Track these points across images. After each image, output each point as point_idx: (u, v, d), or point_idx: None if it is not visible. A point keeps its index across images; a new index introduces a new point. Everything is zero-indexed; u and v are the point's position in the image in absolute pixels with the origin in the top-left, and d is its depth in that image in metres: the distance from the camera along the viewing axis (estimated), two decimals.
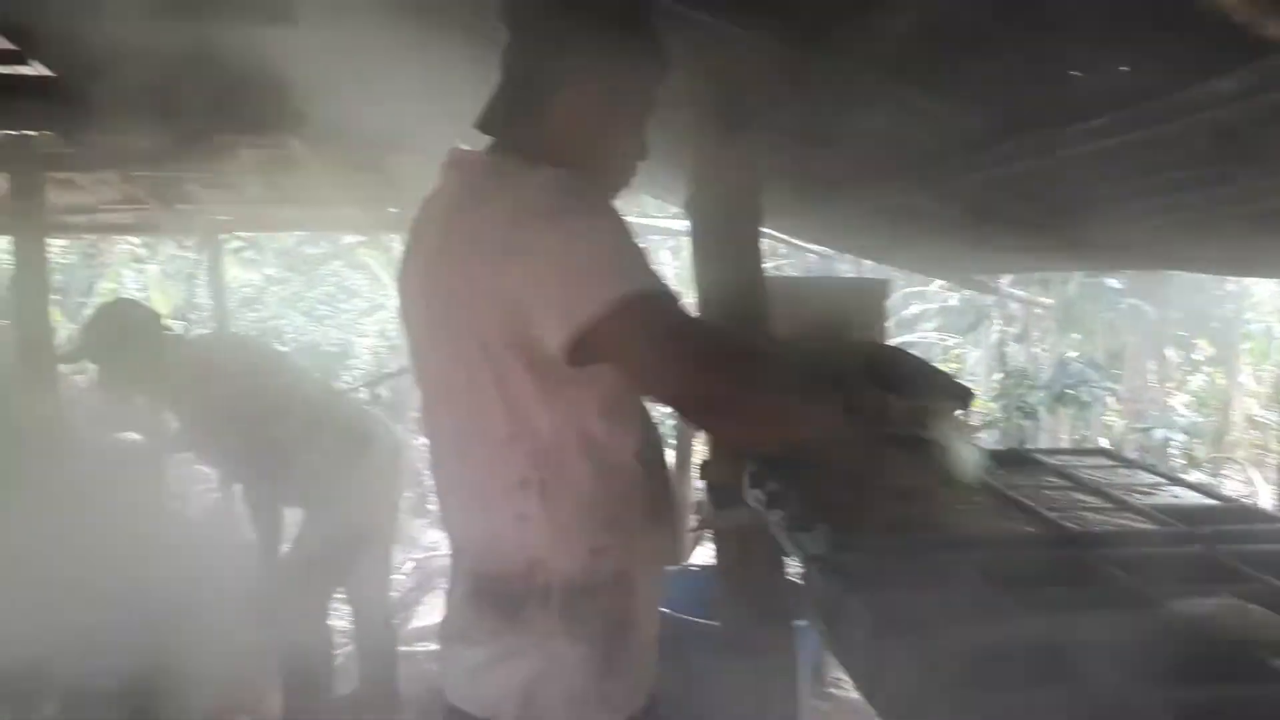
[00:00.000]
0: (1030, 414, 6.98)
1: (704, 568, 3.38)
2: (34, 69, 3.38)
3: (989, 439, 6.67)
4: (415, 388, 1.42)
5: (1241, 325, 9.78)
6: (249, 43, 2.88)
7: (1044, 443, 6.82)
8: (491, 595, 1.30)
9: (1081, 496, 1.79)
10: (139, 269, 10.71)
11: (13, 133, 4.13)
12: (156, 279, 10.36)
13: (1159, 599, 1.17)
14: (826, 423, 1.28)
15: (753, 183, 2.20)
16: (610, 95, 1.32)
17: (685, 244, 2.40)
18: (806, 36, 1.58)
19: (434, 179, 1.40)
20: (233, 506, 3.58)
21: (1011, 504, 1.67)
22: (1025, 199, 2.49)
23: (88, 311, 4.92)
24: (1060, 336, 8.01)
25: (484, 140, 1.38)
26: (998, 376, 7.79)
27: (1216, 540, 1.44)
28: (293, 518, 3.22)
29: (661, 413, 5.90)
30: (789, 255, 8.87)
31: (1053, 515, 1.58)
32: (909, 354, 2.26)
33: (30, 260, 4.66)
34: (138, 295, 10.00)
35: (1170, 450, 7.75)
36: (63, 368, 4.70)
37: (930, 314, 10.27)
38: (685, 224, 2.35)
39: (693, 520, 3.98)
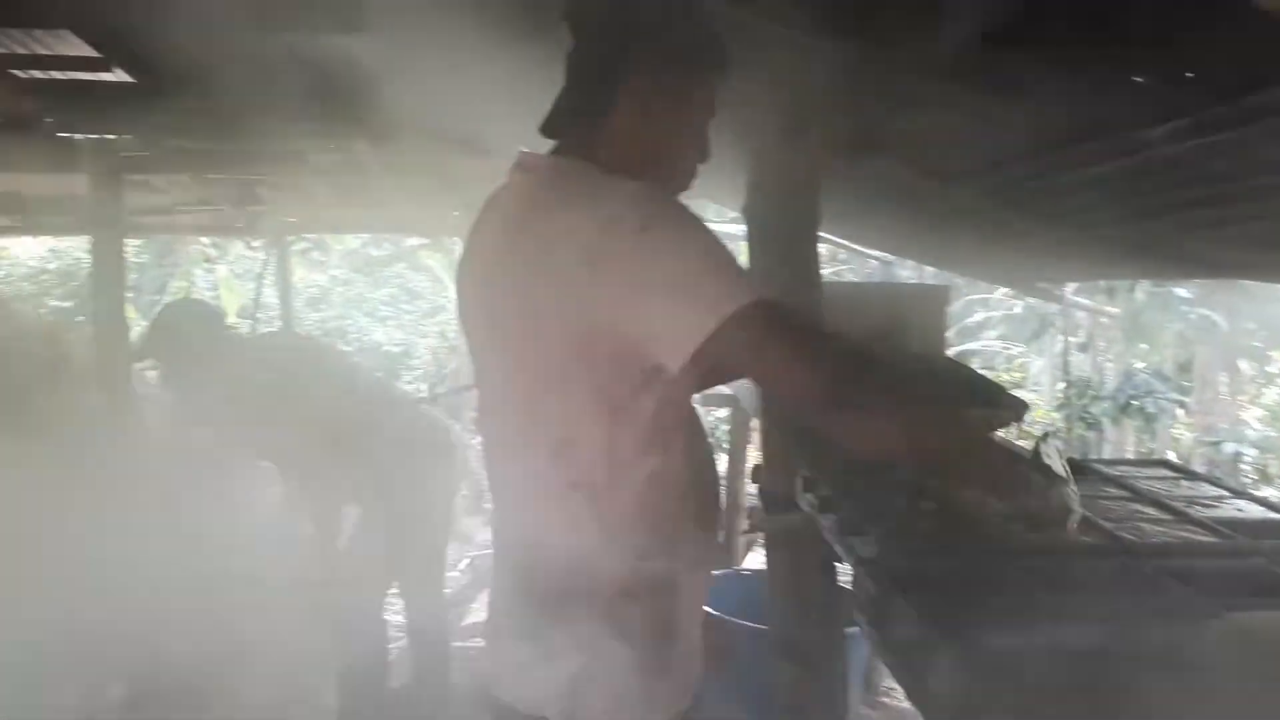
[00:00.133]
0: (1094, 425, 6.85)
1: (756, 572, 3.38)
2: (115, 75, 3.51)
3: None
4: (473, 387, 1.44)
5: None
6: (319, 50, 2.96)
7: (1108, 455, 6.69)
8: (540, 594, 1.32)
9: (1140, 507, 1.76)
10: (209, 268, 11.01)
11: (94, 136, 4.28)
12: (225, 278, 10.63)
13: (1214, 610, 1.15)
14: (956, 433, 1.29)
15: (811, 187, 2.20)
16: (673, 98, 1.34)
17: (742, 248, 2.41)
18: (867, 39, 1.59)
19: (498, 181, 1.42)
20: (294, 503, 3.66)
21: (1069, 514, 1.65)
22: (1090, 205, 2.46)
23: (154, 310, 5.09)
24: (1126, 346, 7.85)
25: (547, 144, 1.41)
26: (1060, 386, 7.65)
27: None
28: (349, 515, 3.29)
29: (714, 418, 5.88)
30: (849, 260, 8.82)
31: (1109, 525, 1.56)
32: (964, 365, 2.25)
33: (107, 259, 4.82)
34: (207, 294, 10.28)
35: (1241, 465, 7.54)
36: (138, 365, 4.86)
37: (993, 322, 10.13)
38: (742, 228, 2.35)
39: (744, 524, 3.98)
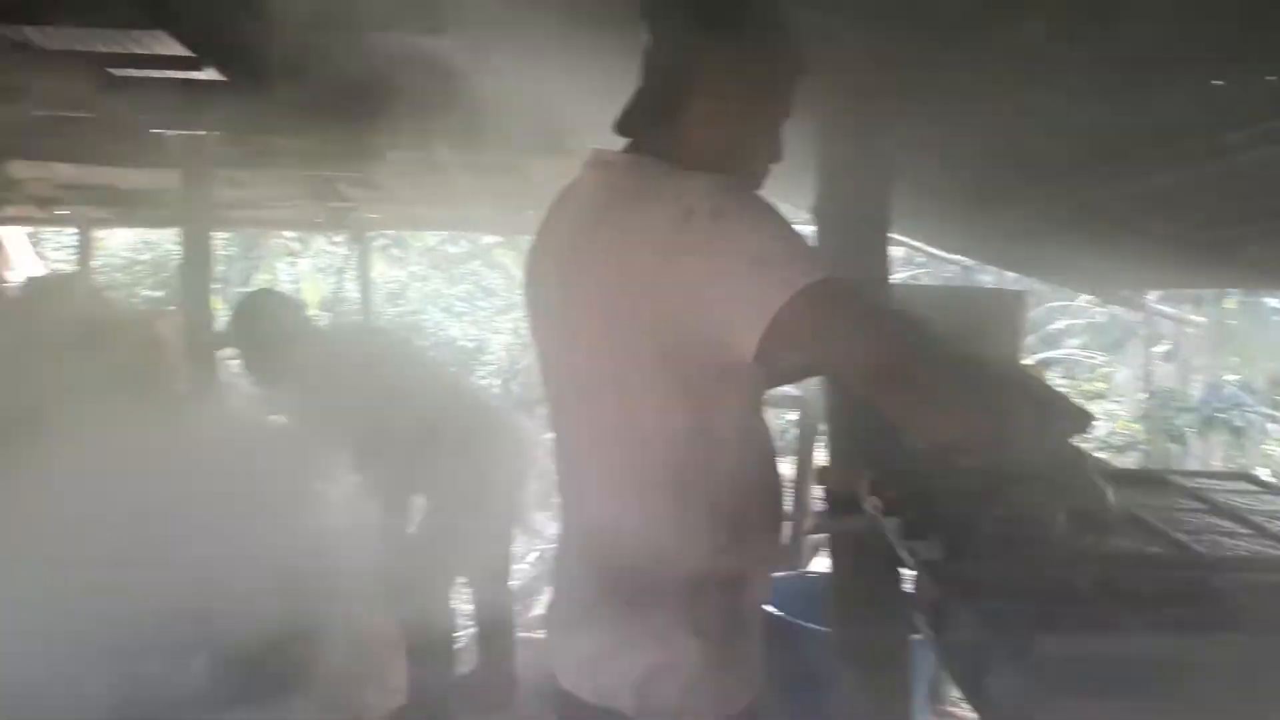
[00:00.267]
0: (1177, 437, 6.63)
1: (820, 574, 3.37)
2: (207, 74, 3.64)
3: (1128, 460, 6.37)
4: (543, 382, 1.45)
5: None
6: (401, 51, 3.04)
7: (1192, 468, 6.48)
8: (613, 586, 1.33)
9: (1216, 520, 1.71)
10: (292, 262, 11.34)
11: (185, 133, 4.45)
12: (308, 272, 10.95)
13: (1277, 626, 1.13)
14: (1019, 423, 1.25)
15: (882, 189, 2.19)
16: (748, 98, 1.34)
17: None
18: (940, 42, 1.58)
19: (570, 179, 1.45)
20: (366, 490, 3.76)
21: (1138, 524, 1.62)
22: (1172, 211, 2.40)
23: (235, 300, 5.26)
24: (1214, 358, 7.59)
25: (621, 142, 1.43)
26: (1142, 397, 7.44)
27: None
28: (417, 503, 3.36)
29: (784, 420, 5.85)
30: (927, 264, 8.70)
31: (1181, 537, 1.52)
32: (1028, 372, 2.22)
33: (196, 251, 5.01)
34: (290, 287, 10.58)
35: None
36: (222, 353, 5.03)
37: (1076, 329, 9.89)
38: (811, 228, 2.35)
39: (809, 525, 3.96)
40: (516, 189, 5.35)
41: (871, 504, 1.96)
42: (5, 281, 5.85)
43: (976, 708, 1.10)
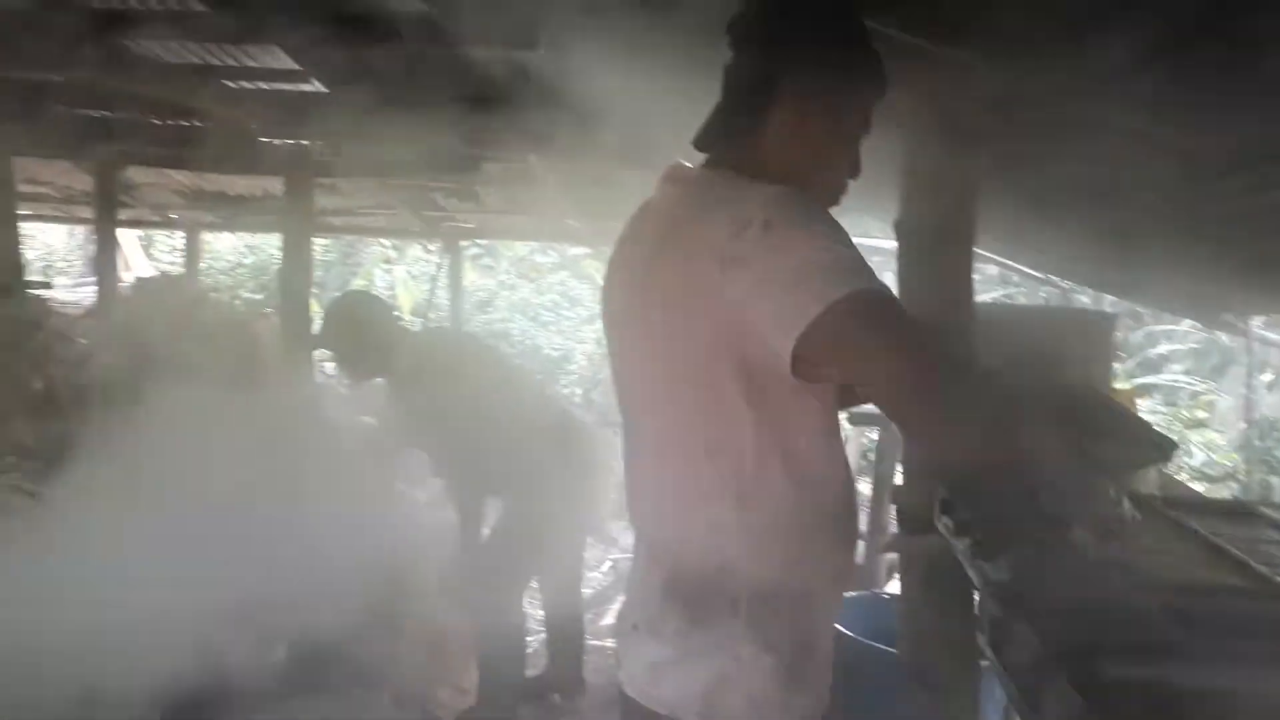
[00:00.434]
0: (1277, 469, 6.33)
1: (895, 595, 3.32)
2: (312, 85, 3.80)
3: (1224, 491, 6.12)
4: (616, 394, 1.47)
5: None
6: (495, 65, 3.13)
7: None
8: (681, 596, 1.33)
9: None
10: (387, 269, 11.66)
11: (290, 141, 4.64)
12: (402, 279, 11.24)
13: None
14: (1035, 444, 1.22)
15: (966, 207, 2.17)
16: (827, 115, 1.35)
17: (892, 263, 2.40)
18: (1024, 60, 1.57)
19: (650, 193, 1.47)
20: (445, 493, 3.83)
21: (1219, 554, 1.58)
22: (1273, 232, 2.32)
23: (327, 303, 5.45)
24: None
25: (700, 158, 1.45)
26: (1243, 426, 7.13)
27: None
28: (492, 507, 3.42)
29: (866, 440, 5.80)
30: (1021, 284, 8.51)
31: (1262, 569, 1.48)
32: (1113, 400, 2.16)
33: (296, 256, 5.21)
34: (385, 293, 10.87)
35: None
36: (317, 355, 5.21)
37: (1178, 355, 9.54)
38: (893, 243, 2.34)
39: (883, 545, 3.91)
40: (605, 201, 5.42)
41: (943, 524, 1.95)
42: (121, 281, 6.15)
43: None
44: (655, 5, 2.19)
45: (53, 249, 12.06)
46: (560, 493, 3.16)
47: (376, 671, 3.23)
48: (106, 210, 5.08)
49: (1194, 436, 8.00)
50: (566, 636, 3.60)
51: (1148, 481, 2.28)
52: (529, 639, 3.59)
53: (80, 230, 10.41)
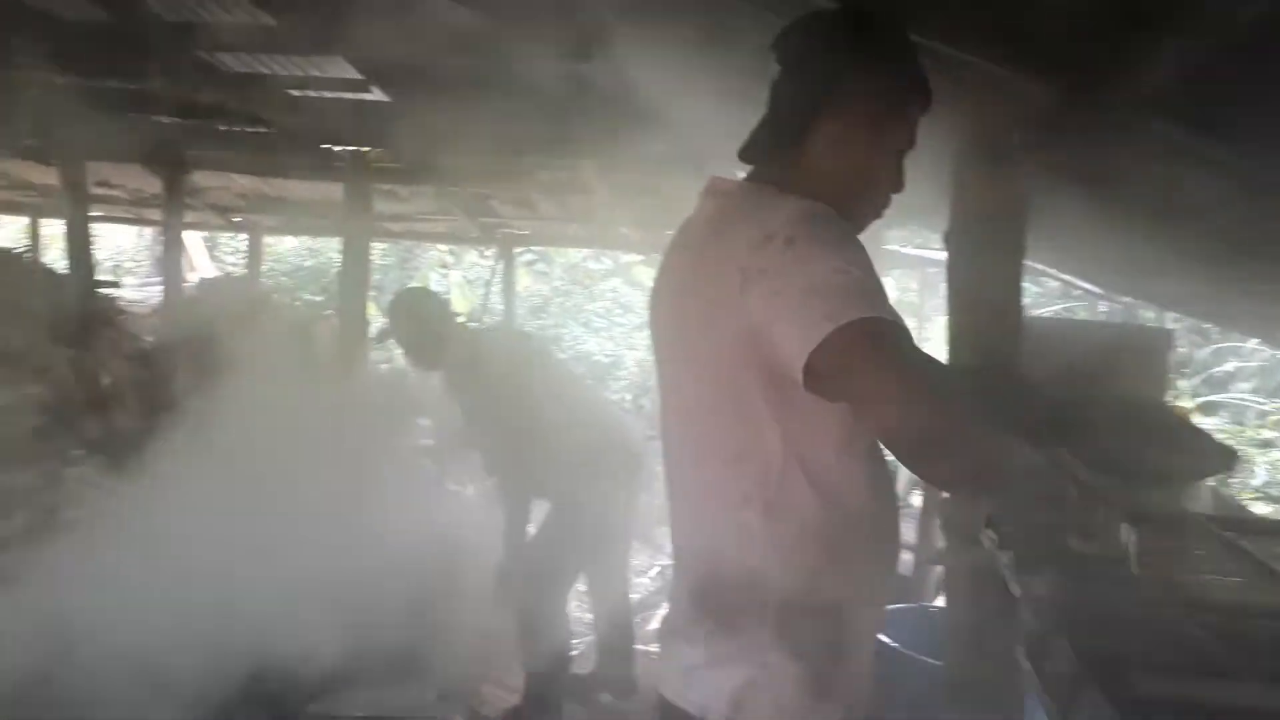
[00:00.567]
0: None
1: (941, 607, 3.30)
2: (374, 94, 3.90)
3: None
4: (658, 399, 1.51)
5: None
6: (551, 76, 3.19)
7: None
8: (710, 601, 1.35)
9: None
10: (443, 273, 11.82)
11: (351, 148, 4.75)
12: (458, 283, 11.39)
13: None
14: (1016, 478, 1.25)
15: (1016, 219, 2.16)
16: (869, 130, 1.36)
17: (942, 274, 2.41)
18: (1072, 75, 1.57)
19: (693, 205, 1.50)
20: (494, 493, 3.87)
21: (1271, 576, 1.56)
22: None
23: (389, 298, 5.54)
24: None
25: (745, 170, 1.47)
26: None
27: None
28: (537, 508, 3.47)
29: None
30: (1082, 299, 8.39)
31: None
32: (1174, 410, 2.14)
33: (355, 260, 5.33)
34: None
35: None
36: (374, 355, 5.31)
37: (1245, 373, 9.31)
38: (943, 254, 2.34)
39: (930, 558, 3.89)
40: (656, 209, 5.47)
41: (987, 538, 1.94)
42: (186, 282, 6.33)
43: None
44: (708, 17, 2.22)
45: (122, 249, 12.42)
46: (606, 497, 3.20)
47: (424, 667, 3.29)
48: (174, 213, 5.23)
49: (1260, 456, 7.80)
50: (616, 638, 3.63)
51: (1201, 501, 2.25)
52: (576, 640, 3.63)
53: (148, 232, 10.71)
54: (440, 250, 11.64)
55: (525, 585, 3.21)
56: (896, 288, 10.60)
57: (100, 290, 5.67)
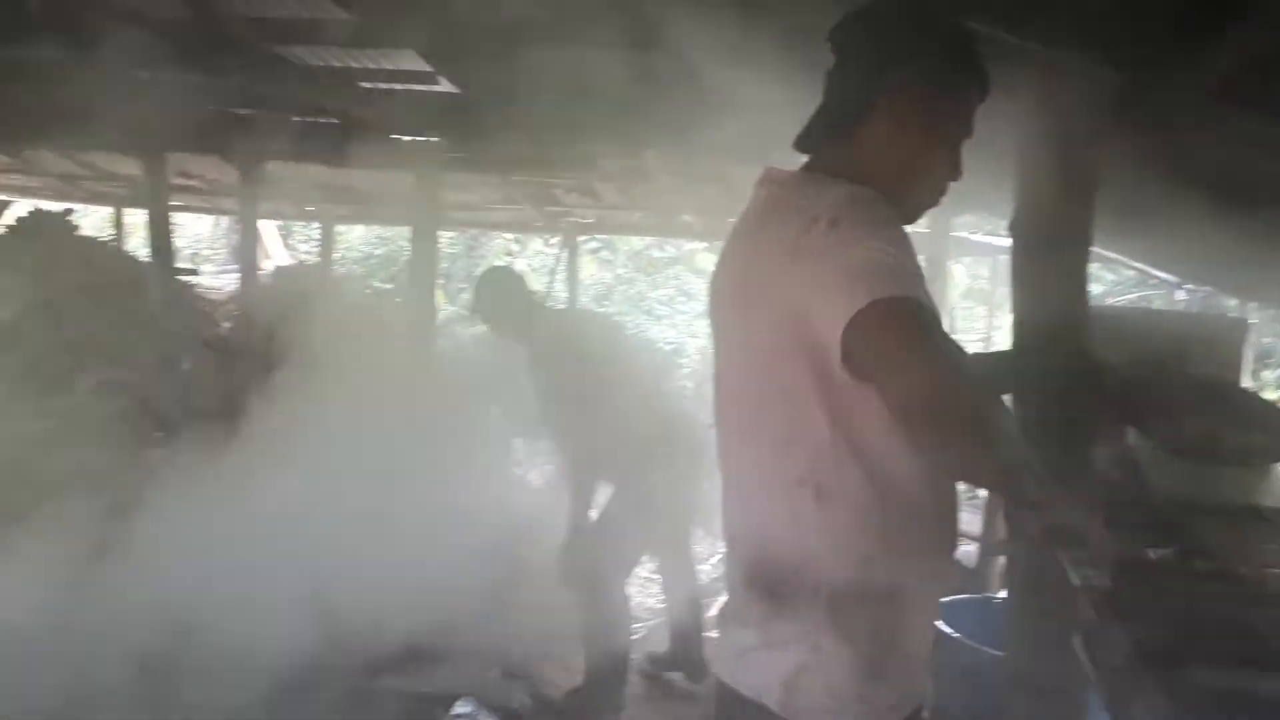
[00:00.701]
0: None
1: (1005, 598, 3.27)
2: (442, 86, 3.97)
3: None
4: (714, 386, 1.50)
5: None
6: (615, 66, 3.21)
7: None
8: (764, 584, 1.36)
9: None
10: (509, 261, 11.94)
11: (420, 139, 4.83)
12: (523, 271, 11.49)
13: None
14: (1012, 476, 1.22)
15: (1083, 209, 2.13)
16: (925, 119, 1.36)
17: (1007, 262, 2.38)
18: (1134, 62, 1.55)
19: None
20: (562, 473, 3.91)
21: None
22: None
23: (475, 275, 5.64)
24: None
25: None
26: None
27: None
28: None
29: None
30: (1159, 287, 8.19)
31: None
32: (1249, 392, 2.10)
33: (423, 249, 5.43)
34: None
35: None
36: (440, 341, 5.41)
37: None
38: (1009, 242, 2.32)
39: (992, 548, 3.85)
40: (719, 197, 5.48)
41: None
42: (260, 269, 6.51)
43: None
44: (769, 6, 2.23)
45: (200, 238, 12.80)
46: (669, 483, 3.22)
47: (489, 646, 3.36)
48: (250, 202, 5.38)
49: None
50: (687, 621, 3.66)
51: (1272, 494, 2.21)
52: (638, 623, 3.67)
53: (225, 220, 11.00)
54: (506, 239, 11.77)
55: (587, 565, 3.25)
56: (967, 275, 10.46)
57: (180, 277, 5.87)
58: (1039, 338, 2.14)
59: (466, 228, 10.00)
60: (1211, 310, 6.51)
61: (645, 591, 4.50)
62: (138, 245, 7.63)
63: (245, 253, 5.63)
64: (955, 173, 1.42)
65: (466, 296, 4.24)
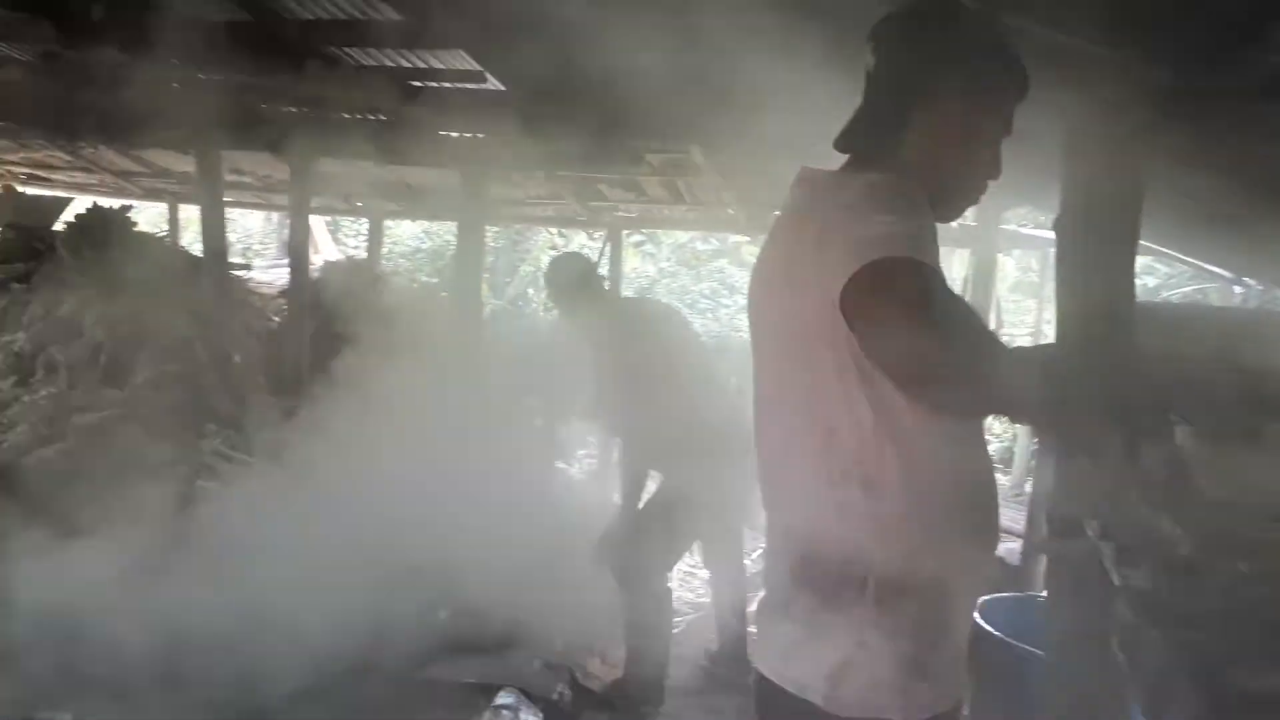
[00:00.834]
0: None
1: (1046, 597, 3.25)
2: (490, 85, 4.02)
3: None
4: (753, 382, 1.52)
5: None
6: (660, 62, 3.23)
7: None
8: (809, 578, 1.36)
9: None
10: (553, 254, 12.01)
11: (467, 135, 4.89)
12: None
13: None
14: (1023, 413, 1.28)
15: (1129, 208, 2.12)
16: (965, 119, 1.37)
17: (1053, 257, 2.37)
18: (1179, 60, 1.54)
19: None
20: (606, 470, 3.95)
21: None
22: None
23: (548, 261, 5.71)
24: None
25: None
26: None
27: None
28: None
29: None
30: (1213, 281, 8.02)
31: None
32: None
33: (470, 243, 5.50)
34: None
35: None
36: (485, 337, 5.47)
37: None
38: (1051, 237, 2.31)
39: (1036, 546, 3.82)
40: (763, 190, 5.47)
41: (1092, 527, 1.92)
42: (311, 264, 6.62)
43: None
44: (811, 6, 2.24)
45: (251, 233, 13.03)
46: (718, 475, 3.22)
47: (530, 638, 3.41)
48: (300, 198, 5.46)
49: None
50: (731, 617, 3.67)
51: None
52: (676, 618, 3.68)
53: (276, 216, 11.19)
54: (550, 233, 11.83)
55: (630, 555, 3.27)
56: (1017, 268, 10.30)
57: (232, 272, 5.99)
58: (1084, 335, 2.13)
59: (511, 223, 10.07)
60: (1269, 306, 6.38)
61: (686, 585, 4.52)
62: (191, 240, 7.79)
63: (296, 248, 5.72)
64: (995, 171, 1.43)
65: (512, 289, 4.28)
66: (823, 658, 1.33)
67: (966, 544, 1.37)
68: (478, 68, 3.74)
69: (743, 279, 10.84)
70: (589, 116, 3.85)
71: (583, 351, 3.55)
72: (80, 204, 6.30)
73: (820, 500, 1.35)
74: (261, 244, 12.80)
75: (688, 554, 3.84)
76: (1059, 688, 2.24)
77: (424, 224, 11.90)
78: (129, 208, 6.11)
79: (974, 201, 1.45)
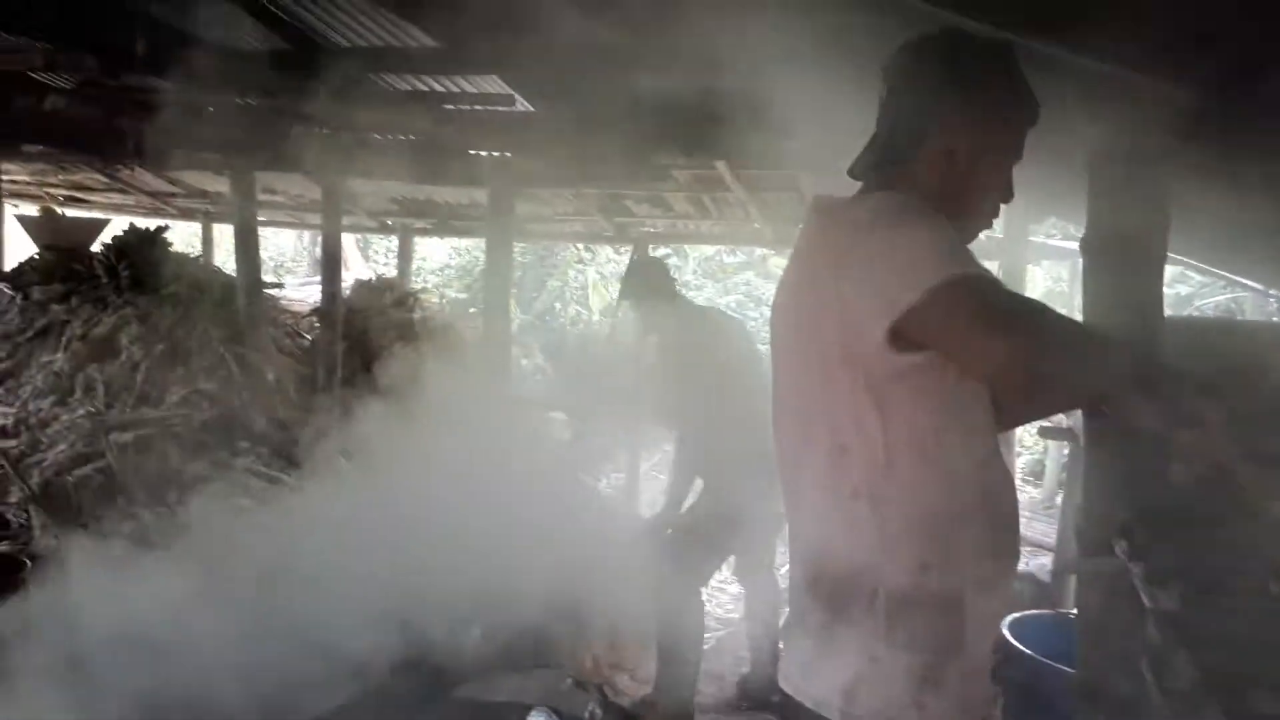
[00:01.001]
0: None
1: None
2: (519, 106, 4.07)
3: None
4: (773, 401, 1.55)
5: None
6: (685, 85, 3.26)
7: None
8: (824, 593, 1.39)
9: None
10: (579, 270, 12.06)
11: (495, 154, 4.95)
12: (594, 280, 11.61)
13: None
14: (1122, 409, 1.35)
15: (1155, 226, 2.11)
16: (977, 148, 1.40)
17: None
18: (1201, 81, 1.55)
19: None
20: (635, 485, 3.95)
21: None
22: None
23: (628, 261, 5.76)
24: None
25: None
26: None
27: None
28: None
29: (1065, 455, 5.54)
30: (1250, 297, 7.94)
31: None
32: None
33: (498, 260, 5.55)
34: (577, 293, 11.27)
35: None
36: (515, 350, 5.51)
37: None
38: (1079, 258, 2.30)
39: (1063, 564, 3.79)
40: (789, 205, 5.49)
41: (1120, 548, 1.92)
42: (342, 281, 6.70)
43: None
44: (835, 27, 2.26)
45: (284, 251, 13.19)
46: (759, 491, 3.21)
47: (560, 655, 3.42)
48: (332, 217, 5.54)
49: None
50: (764, 638, 3.66)
51: None
52: (707, 635, 3.69)
53: (308, 235, 11.32)
54: (577, 249, 11.90)
55: (665, 563, 3.28)
56: (1046, 278, 10.22)
57: (265, 290, 6.07)
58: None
59: (538, 239, 10.14)
60: None
61: (716, 601, 4.53)
62: (224, 259, 7.91)
63: (327, 265, 5.80)
64: (1007, 195, 1.47)
65: (540, 303, 4.33)
66: (837, 672, 1.36)
67: (980, 562, 1.37)
68: (508, 91, 3.80)
69: (768, 291, 10.86)
70: (616, 135, 3.89)
71: (646, 352, 3.61)
72: (117, 225, 6.42)
73: (831, 516, 1.39)
74: (294, 262, 12.96)
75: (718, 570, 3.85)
76: (1088, 707, 2.23)
77: (453, 241, 12.00)
78: (165, 228, 6.22)
79: (987, 225, 1.49)
